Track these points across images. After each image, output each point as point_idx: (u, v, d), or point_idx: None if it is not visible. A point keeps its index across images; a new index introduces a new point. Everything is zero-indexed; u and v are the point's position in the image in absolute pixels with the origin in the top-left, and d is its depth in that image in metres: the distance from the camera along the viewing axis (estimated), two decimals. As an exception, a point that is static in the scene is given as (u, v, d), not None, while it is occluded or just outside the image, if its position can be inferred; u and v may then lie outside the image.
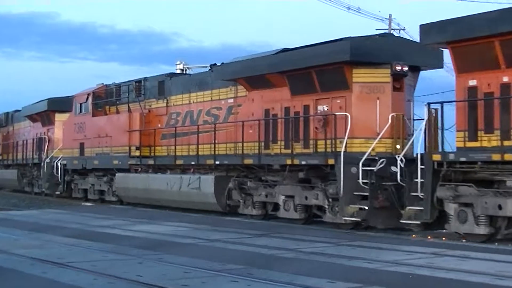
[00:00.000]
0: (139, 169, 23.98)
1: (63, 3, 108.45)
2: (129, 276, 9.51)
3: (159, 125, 23.58)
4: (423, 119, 17.11)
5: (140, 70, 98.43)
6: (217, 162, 20.03)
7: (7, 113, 40.59)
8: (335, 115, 16.42)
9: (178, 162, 21.89)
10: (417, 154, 14.88)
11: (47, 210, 23.75)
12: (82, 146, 27.16)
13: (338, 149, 16.25)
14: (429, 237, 14.85)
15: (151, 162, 23.28)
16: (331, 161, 16.29)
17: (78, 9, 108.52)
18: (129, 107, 24.90)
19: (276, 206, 18.78)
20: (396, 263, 10.70)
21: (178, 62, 29.58)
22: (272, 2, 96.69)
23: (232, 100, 20.36)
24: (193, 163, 21.19)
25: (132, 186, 23.92)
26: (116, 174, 24.80)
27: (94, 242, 13.68)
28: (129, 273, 9.79)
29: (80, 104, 27.48)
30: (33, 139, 33.56)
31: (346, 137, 16.05)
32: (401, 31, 41.98)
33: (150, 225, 17.33)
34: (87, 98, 27.02)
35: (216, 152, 20.26)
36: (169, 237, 14.80)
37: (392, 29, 41.27)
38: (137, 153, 23.83)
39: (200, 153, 20.95)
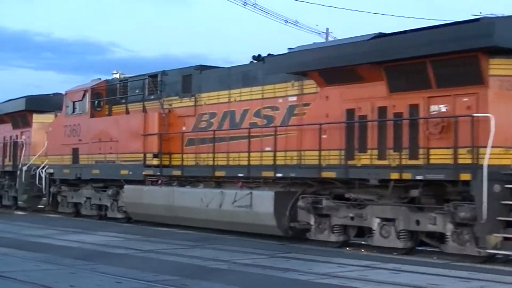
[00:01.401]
0: (159, 181, 19.69)
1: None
2: (62, 286, 9.54)
3: (184, 128, 19.36)
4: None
5: (77, 79, 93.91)
6: (279, 175, 16.09)
7: None
8: (472, 117, 12.75)
9: (219, 173, 17.81)
10: None
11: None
12: (75, 152, 22.72)
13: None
14: (362, 250, 14.46)
15: (177, 172, 19.03)
16: (465, 176, 12.66)
17: (13, 16, 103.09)
18: (144, 106, 20.54)
19: (360, 231, 15.08)
20: (329, 276, 10.75)
21: (115, 72, 26.45)
22: (210, 13, 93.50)
23: (295, 98, 16.39)
24: (240, 175, 17.14)
25: (148, 201, 19.54)
26: (125, 187, 20.42)
27: (27, 252, 13.59)
28: (62, 283, 9.78)
29: (74, 102, 22.98)
30: (3, 144, 28.69)
31: (489, 146, 12.41)
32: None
33: (83, 235, 17.19)
34: (84, 95, 22.52)
35: (272, 162, 16.38)
36: (102, 247, 14.73)
37: (329, 44, 42.48)
38: (155, 162, 19.55)
39: (248, 162, 17.00)
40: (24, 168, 25.63)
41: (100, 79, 23.09)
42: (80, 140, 22.58)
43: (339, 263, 12.25)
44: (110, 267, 11.54)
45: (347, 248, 14.71)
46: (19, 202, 26.52)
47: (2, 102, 29.28)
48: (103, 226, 19.91)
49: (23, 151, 26.53)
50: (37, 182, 24.42)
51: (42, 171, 24.28)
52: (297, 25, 40.69)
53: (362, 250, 14.42)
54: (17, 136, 27.71)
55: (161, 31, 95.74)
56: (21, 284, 9.76)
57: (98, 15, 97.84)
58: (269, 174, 16.35)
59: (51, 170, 23.98)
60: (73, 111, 23.04)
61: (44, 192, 24.36)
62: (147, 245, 15.03)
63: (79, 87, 23.36)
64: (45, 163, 24.43)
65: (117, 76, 26.10)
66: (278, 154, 16.40)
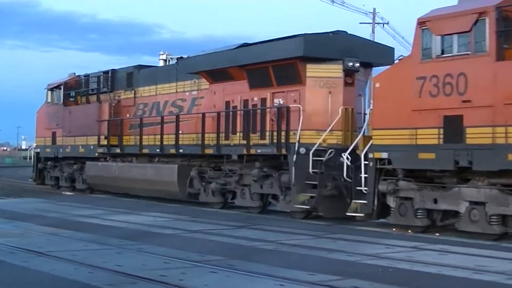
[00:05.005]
0: None
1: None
2: (109, 266, 9.57)
3: None
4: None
5: (122, 60, 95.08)
6: None
7: (113, 72, 25.15)
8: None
9: None
10: None
11: (27, 199, 23.33)
12: (454, 123, 13.34)
13: None
14: (409, 231, 14.20)
15: None
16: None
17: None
18: None
19: None
20: (376, 256, 10.72)
21: (162, 53, 26.89)
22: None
23: None
24: None
25: None
26: None
27: (74, 232, 13.75)
28: (109, 263, 9.85)
29: (443, 37, 13.73)
30: (226, 113, 19.21)
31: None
32: (385, 25, 43.61)
33: (130, 215, 17.32)
34: (476, 21, 13.12)
35: None
36: (149, 227, 14.83)
37: (376, 23, 43.28)
38: None
39: None
40: (303, 150, 16.61)
41: None
42: (466, 101, 13.12)
43: (385, 244, 12.21)
44: (157, 247, 11.61)
45: (394, 229, 14.48)
46: (294, 206, 16.72)
47: (229, 49, 19.43)
48: (149, 206, 20.00)
49: (300, 123, 16.99)
50: (344, 174, 15.61)
51: (348, 157, 15.57)
52: (343, 5, 41.94)
53: (409, 231, 14.13)
54: (263, 100, 18.28)
55: (205, 12, 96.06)
56: (69, 264, 9.84)
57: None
58: None
59: (384, 155, 14.71)
60: (442, 53, 13.71)
61: (364, 191, 14.98)
62: (194, 226, 15.07)
63: (460, 8, 13.70)
64: (354, 141, 15.89)
65: (164, 57, 25.18)
66: None
